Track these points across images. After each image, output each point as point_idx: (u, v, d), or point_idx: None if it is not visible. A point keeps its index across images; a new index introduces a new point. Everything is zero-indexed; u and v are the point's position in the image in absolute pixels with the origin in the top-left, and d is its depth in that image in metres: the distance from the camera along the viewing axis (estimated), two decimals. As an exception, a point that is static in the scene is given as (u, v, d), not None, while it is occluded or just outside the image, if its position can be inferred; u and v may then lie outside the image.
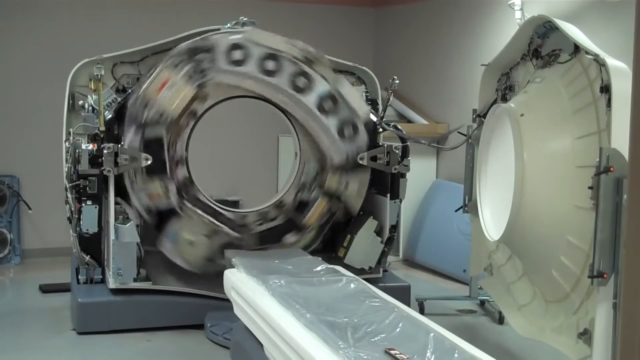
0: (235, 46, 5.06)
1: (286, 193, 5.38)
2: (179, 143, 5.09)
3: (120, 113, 5.00)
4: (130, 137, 4.89)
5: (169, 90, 4.93)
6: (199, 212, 5.10)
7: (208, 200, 5.21)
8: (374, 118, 5.45)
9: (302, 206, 5.37)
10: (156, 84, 4.92)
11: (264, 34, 5.15)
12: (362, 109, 5.33)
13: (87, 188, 4.92)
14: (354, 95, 5.32)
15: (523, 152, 3.79)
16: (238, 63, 5.06)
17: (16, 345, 4.69)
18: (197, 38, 5.08)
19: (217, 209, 5.22)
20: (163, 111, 4.93)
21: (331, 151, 5.25)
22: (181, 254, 5.11)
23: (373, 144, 5.37)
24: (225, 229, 5.16)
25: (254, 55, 5.07)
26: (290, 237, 5.33)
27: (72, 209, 5.05)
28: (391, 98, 5.52)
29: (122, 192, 4.98)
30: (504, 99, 4.42)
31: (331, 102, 5.21)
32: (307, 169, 5.38)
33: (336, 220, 5.41)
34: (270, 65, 5.11)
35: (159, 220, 5.07)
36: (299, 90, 5.15)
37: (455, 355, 2.84)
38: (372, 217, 5.39)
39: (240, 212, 5.37)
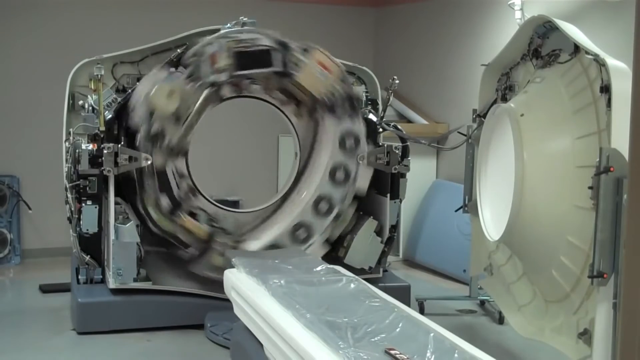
0: None
1: (287, 191, 5.39)
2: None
3: (120, 113, 5.00)
4: (138, 141, 4.91)
5: (170, 95, 4.92)
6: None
7: (209, 201, 5.22)
8: (374, 118, 5.45)
9: None
10: (161, 93, 4.91)
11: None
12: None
13: (87, 188, 4.92)
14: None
15: (523, 152, 3.79)
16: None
17: (16, 345, 4.69)
18: (200, 44, 5.06)
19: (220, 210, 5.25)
20: (163, 115, 4.93)
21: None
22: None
23: (373, 135, 5.40)
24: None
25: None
26: None
27: (72, 209, 5.05)
28: (391, 98, 5.52)
29: (122, 192, 4.98)
30: (504, 99, 4.42)
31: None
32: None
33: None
34: None
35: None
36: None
37: (455, 355, 2.84)
38: (372, 217, 5.39)
39: (242, 212, 5.38)
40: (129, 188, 5.01)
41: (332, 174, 5.26)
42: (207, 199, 5.19)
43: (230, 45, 5.01)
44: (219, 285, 4.50)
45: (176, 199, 5.05)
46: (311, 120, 5.33)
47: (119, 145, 4.88)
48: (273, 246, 5.14)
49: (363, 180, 5.36)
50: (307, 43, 5.22)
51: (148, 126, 4.90)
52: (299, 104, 5.33)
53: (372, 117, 5.44)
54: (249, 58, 5.05)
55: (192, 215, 5.11)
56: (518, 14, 5.61)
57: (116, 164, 4.86)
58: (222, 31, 5.11)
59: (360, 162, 5.30)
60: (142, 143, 4.90)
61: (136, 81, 5.27)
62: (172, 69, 4.96)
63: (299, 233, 5.24)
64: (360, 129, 5.29)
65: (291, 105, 5.34)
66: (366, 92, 5.64)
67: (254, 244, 5.15)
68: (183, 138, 5.06)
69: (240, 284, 4.01)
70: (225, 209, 5.30)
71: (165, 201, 5.01)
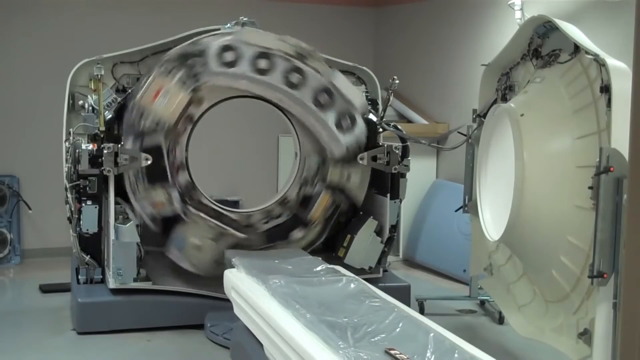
0: (226, 48, 5.05)
1: (289, 189, 5.39)
2: (178, 148, 5.10)
3: (120, 113, 5.00)
4: (129, 146, 4.90)
5: (163, 98, 4.94)
6: (204, 216, 5.10)
7: (212, 202, 5.21)
8: (374, 118, 5.45)
9: (306, 201, 5.37)
10: (150, 93, 4.92)
11: (253, 32, 5.15)
12: (358, 99, 5.33)
13: (87, 188, 4.92)
14: (348, 87, 5.31)
15: (523, 152, 3.79)
16: (230, 64, 5.06)
17: (16, 345, 4.69)
18: (187, 42, 5.07)
19: (222, 211, 5.22)
20: (159, 119, 4.93)
21: (331, 145, 5.25)
22: (189, 259, 5.10)
23: (373, 135, 5.38)
24: (231, 230, 5.16)
25: (245, 55, 5.07)
26: (296, 233, 5.33)
27: (72, 209, 5.05)
28: (391, 98, 5.51)
29: (122, 192, 4.99)
30: (504, 99, 4.42)
31: (327, 96, 5.20)
32: (309, 164, 5.38)
33: (341, 213, 5.41)
34: (262, 64, 5.10)
35: (164, 227, 5.08)
36: (293, 86, 5.15)
37: (455, 355, 2.84)
38: (372, 217, 5.39)
39: (245, 212, 5.37)
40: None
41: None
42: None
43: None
44: (219, 285, 4.50)
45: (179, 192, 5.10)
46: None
47: (119, 145, 4.88)
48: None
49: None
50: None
51: (157, 139, 4.97)
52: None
53: (372, 117, 5.44)
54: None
55: (200, 204, 5.16)
56: (518, 14, 5.61)
57: (116, 164, 4.86)
58: (213, 33, 5.09)
59: (360, 161, 5.30)
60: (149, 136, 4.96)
61: (136, 81, 5.27)
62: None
63: None
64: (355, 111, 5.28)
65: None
66: (366, 92, 5.64)
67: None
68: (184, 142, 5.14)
69: (240, 284, 4.01)
70: (225, 209, 5.30)
71: (176, 193, 5.06)
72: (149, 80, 4.96)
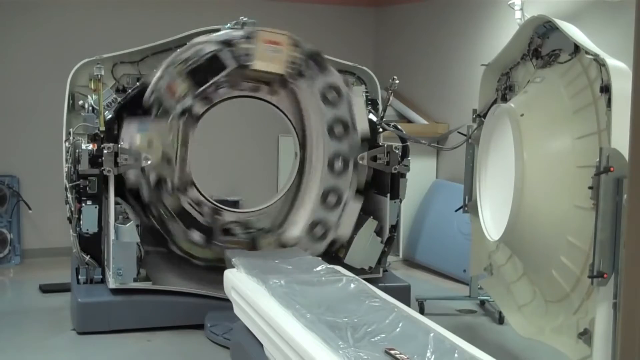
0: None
1: (288, 191, 5.40)
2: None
3: (120, 113, 5.00)
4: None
5: (151, 146, 4.99)
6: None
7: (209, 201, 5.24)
8: (374, 118, 5.45)
9: None
10: (141, 146, 4.96)
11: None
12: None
13: (87, 188, 4.92)
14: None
15: (523, 152, 3.79)
16: None
17: (16, 345, 4.69)
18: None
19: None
20: (157, 166, 5.00)
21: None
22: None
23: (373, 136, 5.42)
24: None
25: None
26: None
27: (72, 209, 5.05)
28: (391, 98, 5.52)
29: (122, 192, 4.99)
30: (504, 99, 4.42)
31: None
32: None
33: None
34: None
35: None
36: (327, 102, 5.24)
37: (455, 355, 2.84)
38: (372, 217, 5.39)
39: (244, 212, 5.38)
40: (157, 237, 5.11)
41: (331, 130, 5.26)
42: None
43: (180, 69, 4.98)
44: (219, 285, 4.50)
45: (205, 227, 5.13)
46: (288, 92, 5.30)
47: (119, 145, 4.88)
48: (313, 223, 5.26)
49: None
50: (249, 29, 5.13)
51: (146, 180, 4.96)
52: (269, 83, 5.30)
53: (372, 117, 5.44)
54: (201, 72, 5.02)
55: (227, 232, 5.20)
56: (518, 14, 5.60)
57: (116, 164, 4.86)
58: (170, 57, 5.04)
59: (360, 162, 5.30)
60: (149, 196, 5.00)
61: (136, 81, 5.28)
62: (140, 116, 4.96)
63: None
64: (336, 79, 5.26)
65: (263, 88, 5.32)
66: (366, 92, 5.64)
67: (293, 230, 5.25)
68: (182, 173, 5.12)
69: (240, 284, 4.01)
70: (225, 209, 5.30)
71: (197, 235, 5.11)
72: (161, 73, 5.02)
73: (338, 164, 5.27)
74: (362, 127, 5.31)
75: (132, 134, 4.93)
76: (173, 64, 4.96)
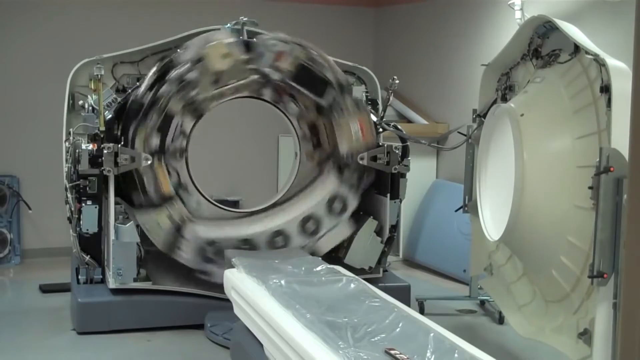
0: None
1: (287, 192, 5.39)
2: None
3: (120, 113, 5.00)
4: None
5: (224, 58, 4.99)
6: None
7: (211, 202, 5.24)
8: (374, 118, 5.45)
9: None
10: (218, 49, 4.98)
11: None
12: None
13: (87, 188, 4.92)
14: None
15: (523, 152, 3.79)
16: None
17: (16, 345, 4.69)
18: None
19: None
20: (207, 72, 4.99)
21: None
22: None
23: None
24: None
25: None
26: None
27: (72, 209, 5.05)
28: (391, 98, 5.52)
29: (122, 192, 4.98)
30: (504, 99, 4.42)
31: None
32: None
33: None
34: None
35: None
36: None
37: (455, 355, 2.84)
38: (372, 217, 5.39)
39: (243, 212, 5.38)
40: (129, 117, 4.96)
41: (305, 222, 5.27)
42: (187, 167, 5.17)
43: (299, 55, 5.07)
44: (219, 285, 4.50)
45: (164, 147, 5.03)
46: (317, 168, 5.38)
47: (119, 145, 4.88)
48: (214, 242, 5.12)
49: (326, 242, 5.34)
50: (360, 100, 5.28)
51: (186, 70, 4.92)
52: (317, 146, 5.37)
53: (372, 117, 5.44)
54: (307, 76, 5.10)
55: (167, 172, 5.09)
56: (518, 14, 5.60)
57: (116, 164, 4.86)
58: (296, 39, 5.11)
59: (360, 161, 5.30)
60: (170, 81, 4.90)
61: (136, 81, 5.27)
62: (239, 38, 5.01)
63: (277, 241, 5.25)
64: (352, 201, 5.29)
65: (309, 144, 5.38)
66: (366, 92, 5.64)
67: (202, 231, 5.11)
68: (207, 101, 5.10)
69: (240, 284, 4.01)
70: (225, 209, 5.30)
71: (155, 141, 4.98)
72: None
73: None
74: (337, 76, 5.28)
75: (218, 39, 4.98)
76: (301, 45, 5.08)
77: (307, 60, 5.11)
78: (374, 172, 5.37)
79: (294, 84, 5.14)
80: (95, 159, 4.89)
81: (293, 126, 5.38)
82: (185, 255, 5.01)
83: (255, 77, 5.12)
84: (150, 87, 4.90)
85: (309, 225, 5.27)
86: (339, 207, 5.29)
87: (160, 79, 4.92)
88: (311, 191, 5.35)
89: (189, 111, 5.04)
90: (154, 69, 4.98)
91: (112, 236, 4.83)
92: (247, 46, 5.03)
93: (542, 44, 4.12)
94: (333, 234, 5.31)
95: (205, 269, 5.05)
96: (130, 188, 4.96)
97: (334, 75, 5.16)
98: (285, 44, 5.07)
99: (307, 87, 5.16)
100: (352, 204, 5.31)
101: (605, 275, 3.27)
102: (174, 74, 4.90)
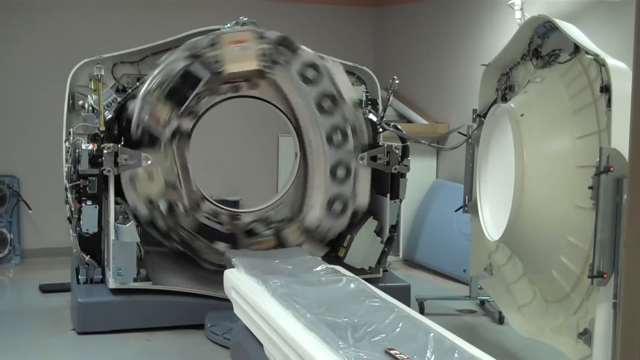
0: None
1: (287, 192, 5.39)
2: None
3: (120, 113, 5.00)
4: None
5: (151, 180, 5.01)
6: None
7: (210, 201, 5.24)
8: (374, 118, 5.45)
9: None
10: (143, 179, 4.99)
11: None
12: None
13: (87, 188, 4.92)
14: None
15: (523, 152, 3.79)
16: None
17: (16, 345, 4.69)
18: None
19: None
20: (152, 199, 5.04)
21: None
22: None
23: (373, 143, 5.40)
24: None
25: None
26: None
27: (72, 209, 5.05)
28: (391, 98, 5.51)
29: (122, 192, 4.99)
30: (504, 99, 4.42)
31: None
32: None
33: None
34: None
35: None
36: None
37: (455, 355, 2.84)
38: (372, 217, 5.39)
39: (262, 208, 5.38)
40: (186, 258, 5.15)
41: (319, 106, 5.25)
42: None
43: (158, 95, 4.95)
44: (219, 285, 4.51)
45: (228, 235, 5.23)
46: (269, 82, 5.26)
47: (119, 145, 4.88)
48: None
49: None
50: (211, 37, 5.10)
51: (158, 211, 5.01)
52: (248, 79, 5.25)
53: (372, 117, 5.44)
54: (179, 91, 4.99)
55: (250, 233, 5.28)
56: (518, 14, 5.61)
57: (116, 164, 4.86)
58: (144, 87, 4.98)
59: (360, 161, 5.30)
60: (166, 224, 5.06)
61: (136, 81, 5.27)
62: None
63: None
64: (311, 57, 5.23)
65: (243, 85, 5.26)
66: (366, 92, 5.64)
67: (313, 212, 5.25)
68: (190, 192, 5.13)
69: (240, 284, 4.01)
70: (224, 209, 5.30)
71: (222, 246, 5.17)
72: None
73: (337, 138, 5.26)
74: (348, 94, 5.30)
75: (130, 175, 4.94)
76: (149, 92, 4.93)
77: (162, 89, 4.96)
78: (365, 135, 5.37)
79: (185, 106, 5.05)
80: (95, 159, 4.89)
81: (292, 124, 5.37)
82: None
83: (174, 141, 5.06)
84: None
85: (336, 206, 5.30)
86: (342, 173, 5.29)
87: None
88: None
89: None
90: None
91: (112, 236, 4.83)
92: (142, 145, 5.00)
93: (542, 44, 4.12)
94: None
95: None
96: None
97: (182, 59, 5.01)
98: (142, 108, 4.95)
99: (189, 92, 5.03)
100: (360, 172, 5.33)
101: (605, 275, 3.27)
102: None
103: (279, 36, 5.16)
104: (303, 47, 5.23)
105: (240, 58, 5.08)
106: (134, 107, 4.91)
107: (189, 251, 5.14)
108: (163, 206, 5.00)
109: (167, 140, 5.00)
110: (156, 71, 4.99)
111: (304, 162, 5.38)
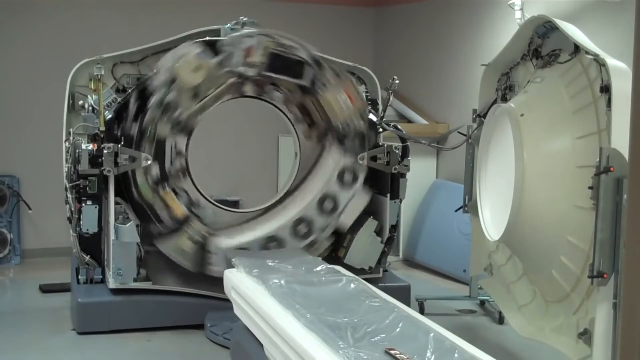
0: None
1: (295, 179, 5.40)
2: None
3: (120, 113, 5.00)
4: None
5: (196, 71, 4.98)
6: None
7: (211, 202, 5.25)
8: (374, 118, 5.45)
9: None
10: (188, 65, 4.96)
11: None
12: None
13: (87, 188, 4.92)
14: None
15: (523, 152, 3.79)
16: None
17: (16, 345, 4.69)
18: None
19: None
20: (184, 89, 4.99)
21: None
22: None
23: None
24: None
25: None
26: None
27: (72, 209, 5.05)
28: (391, 98, 5.52)
29: (122, 192, 4.99)
30: (504, 99, 4.42)
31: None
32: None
33: None
34: None
35: None
36: None
37: (455, 355, 2.84)
38: (372, 217, 5.39)
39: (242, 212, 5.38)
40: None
41: (321, 202, 5.27)
42: (194, 184, 5.18)
43: (268, 45, 5.04)
44: (219, 285, 4.50)
45: (165, 173, 5.03)
46: (318, 145, 5.36)
47: (119, 145, 4.88)
48: (243, 249, 5.10)
49: (349, 215, 5.35)
50: (341, 69, 5.27)
51: (164, 94, 4.91)
52: (311, 124, 5.35)
53: (372, 117, 5.44)
54: (282, 63, 5.07)
55: (175, 193, 5.09)
56: (518, 14, 5.61)
57: (116, 164, 4.86)
58: (261, 30, 5.09)
59: (360, 162, 5.31)
60: (152, 109, 4.90)
61: (136, 81, 5.27)
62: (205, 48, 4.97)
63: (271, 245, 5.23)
64: (361, 167, 5.30)
65: (304, 125, 5.37)
66: (366, 92, 5.64)
67: (225, 242, 5.12)
68: (193, 116, 5.08)
69: (240, 284, 4.01)
70: (224, 209, 5.30)
71: (155, 170, 4.99)
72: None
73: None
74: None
75: (185, 54, 4.95)
76: (267, 35, 5.05)
77: (277, 47, 5.07)
78: (374, 136, 5.38)
79: (270, 74, 5.11)
80: (95, 159, 4.89)
81: (293, 126, 5.37)
82: (217, 267, 5.00)
83: (232, 79, 5.08)
84: (135, 118, 4.91)
85: (327, 204, 5.28)
86: (350, 178, 5.29)
87: (141, 108, 4.92)
88: (319, 170, 5.34)
89: (178, 130, 5.04)
90: (132, 99, 4.95)
91: (112, 236, 4.83)
92: (214, 50, 4.99)
93: (542, 44, 4.12)
94: (353, 205, 5.32)
95: None
96: (145, 220, 5.00)
97: (307, 53, 5.13)
98: (251, 38, 5.05)
99: (284, 72, 5.12)
100: (362, 170, 5.31)
101: (605, 275, 3.27)
102: (152, 100, 4.90)
103: (364, 132, 5.30)
104: (366, 157, 5.33)
105: (336, 105, 5.24)
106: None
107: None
108: (171, 97, 4.97)
109: (234, 72, 5.03)
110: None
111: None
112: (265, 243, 5.18)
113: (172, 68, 4.91)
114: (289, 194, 5.39)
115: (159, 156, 4.99)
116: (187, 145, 5.11)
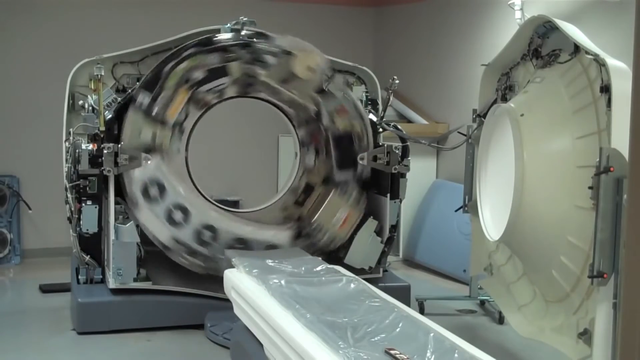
0: None
1: (286, 192, 5.40)
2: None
3: (120, 113, 5.00)
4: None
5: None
6: None
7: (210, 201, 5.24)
8: (374, 118, 5.45)
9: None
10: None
11: None
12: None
13: (87, 188, 4.92)
14: None
15: (523, 152, 3.79)
16: None
17: (16, 345, 4.69)
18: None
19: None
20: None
21: None
22: None
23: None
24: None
25: None
26: None
27: (72, 209, 5.05)
28: (391, 98, 5.51)
29: (122, 192, 4.99)
30: (504, 99, 4.42)
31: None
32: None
33: None
34: None
35: None
36: None
37: (455, 355, 2.84)
38: (372, 217, 5.39)
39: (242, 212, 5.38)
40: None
41: None
42: (194, 184, 5.19)
43: None
44: (219, 285, 4.51)
45: None
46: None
47: (119, 145, 4.88)
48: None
49: None
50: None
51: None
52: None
53: (372, 117, 5.44)
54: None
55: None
56: (518, 14, 5.60)
57: (116, 164, 4.86)
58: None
59: (360, 161, 5.31)
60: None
61: (136, 81, 5.27)
62: None
63: None
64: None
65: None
66: (366, 92, 5.64)
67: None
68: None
69: (240, 284, 4.01)
70: (224, 209, 5.30)
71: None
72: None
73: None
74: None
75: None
76: None
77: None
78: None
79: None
80: (95, 159, 4.89)
81: (293, 125, 5.37)
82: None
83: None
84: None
85: None
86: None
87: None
88: None
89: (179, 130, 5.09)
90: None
91: (112, 236, 4.83)
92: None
93: (542, 44, 4.12)
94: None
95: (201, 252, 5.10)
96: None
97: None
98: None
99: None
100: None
101: (605, 275, 3.27)
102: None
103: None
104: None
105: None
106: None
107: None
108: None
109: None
110: None
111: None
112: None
113: None
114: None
115: None
116: (187, 145, 5.11)
